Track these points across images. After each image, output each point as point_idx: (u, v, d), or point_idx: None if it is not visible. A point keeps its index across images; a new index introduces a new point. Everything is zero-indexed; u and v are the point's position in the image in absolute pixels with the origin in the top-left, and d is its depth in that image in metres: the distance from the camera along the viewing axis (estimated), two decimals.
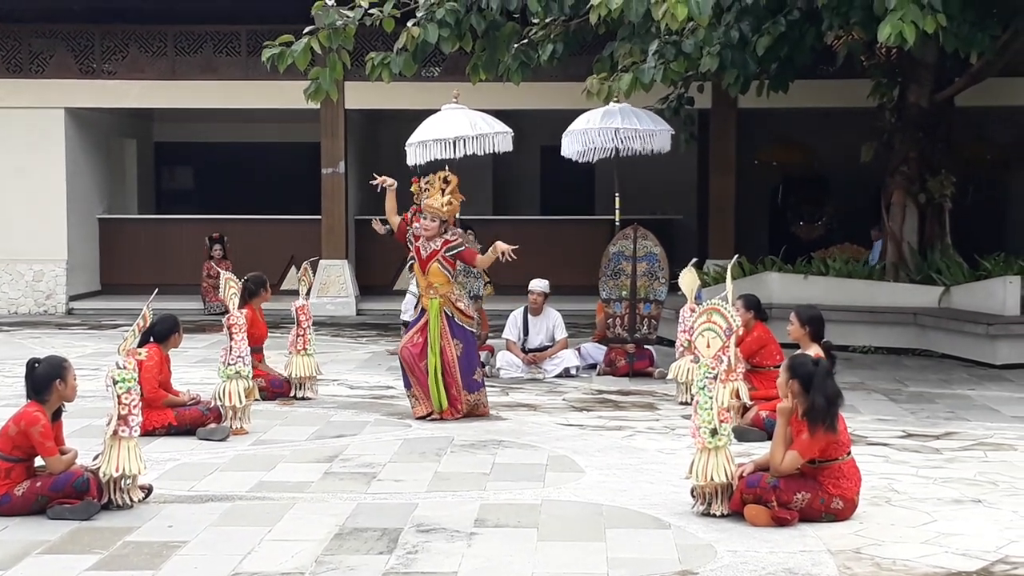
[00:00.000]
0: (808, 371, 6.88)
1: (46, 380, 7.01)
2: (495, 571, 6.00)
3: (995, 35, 12.32)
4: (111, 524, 6.80)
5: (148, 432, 8.53)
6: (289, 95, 16.47)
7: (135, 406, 7.08)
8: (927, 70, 14.91)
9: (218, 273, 15.97)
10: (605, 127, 12.96)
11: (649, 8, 11.03)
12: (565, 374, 12.41)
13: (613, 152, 13.12)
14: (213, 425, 9.25)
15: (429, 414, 9.95)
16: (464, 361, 10.01)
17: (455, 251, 10.09)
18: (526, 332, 12.65)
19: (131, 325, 7.60)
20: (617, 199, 13.63)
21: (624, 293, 12.69)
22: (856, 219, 19.91)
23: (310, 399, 10.89)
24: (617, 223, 13.60)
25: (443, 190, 10.08)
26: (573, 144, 13.21)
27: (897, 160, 15.23)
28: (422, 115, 12.69)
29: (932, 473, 8.12)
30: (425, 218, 10.03)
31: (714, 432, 6.90)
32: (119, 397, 7.04)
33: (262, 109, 19.48)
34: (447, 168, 10.37)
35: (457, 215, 10.42)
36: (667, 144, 13.19)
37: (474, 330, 10.39)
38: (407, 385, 10.11)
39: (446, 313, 10.02)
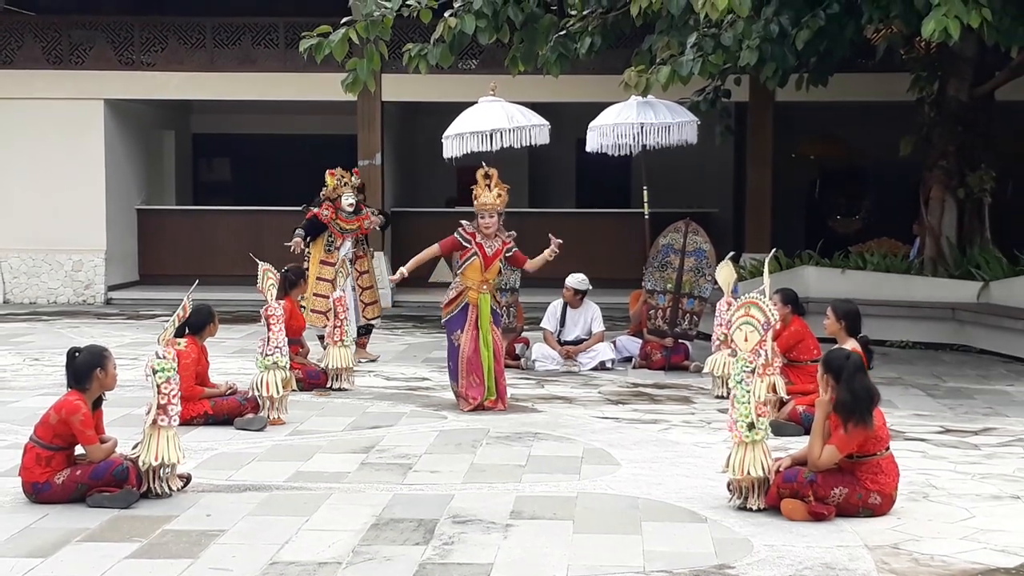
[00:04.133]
0: (840, 365, 6.87)
1: (87, 369, 7.07)
2: (531, 563, 6.01)
3: None
4: (150, 512, 6.85)
5: (186, 422, 8.54)
6: (326, 87, 16.52)
7: (174, 396, 7.13)
8: (967, 64, 14.80)
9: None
10: (625, 122, 12.92)
11: (690, 0, 10.99)
12: (600, 367, 12.40)
13: (639, 146, 13.07)
14: (250, 415, 9.30)
15: (479, 404, 10.01)
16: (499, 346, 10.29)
17: (513, 252, 10.29)
18: (562, 324, 12.63)
19: (169, 315, 7.66)
20: (645, 192, 13.59)
21: (669, 286, 12.67)
22: (894, 213, 19.78)
23: (346, 390, 10.93)
24: (646, 216, 13.56)
25: (488, 185, 10.15)
26: (596, 139, 13.19)
27: (936, 154, 15.12)
28: (459, 107, 12.70)
29: (970, 469, 8.07)
30: (483, 217, 10.10)
31: (751, 426, 6.89)
32: (158, 387, 7.09)
33: (299, 101, 19.55)
34: (483, 164, 10.39)
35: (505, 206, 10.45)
36: (692, 136, 13.12)
37: (503, 315, 10.57)
38: (455, 380, 10.17)
39: (491, 306, 10.22)
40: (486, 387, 10.05)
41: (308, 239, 12.73)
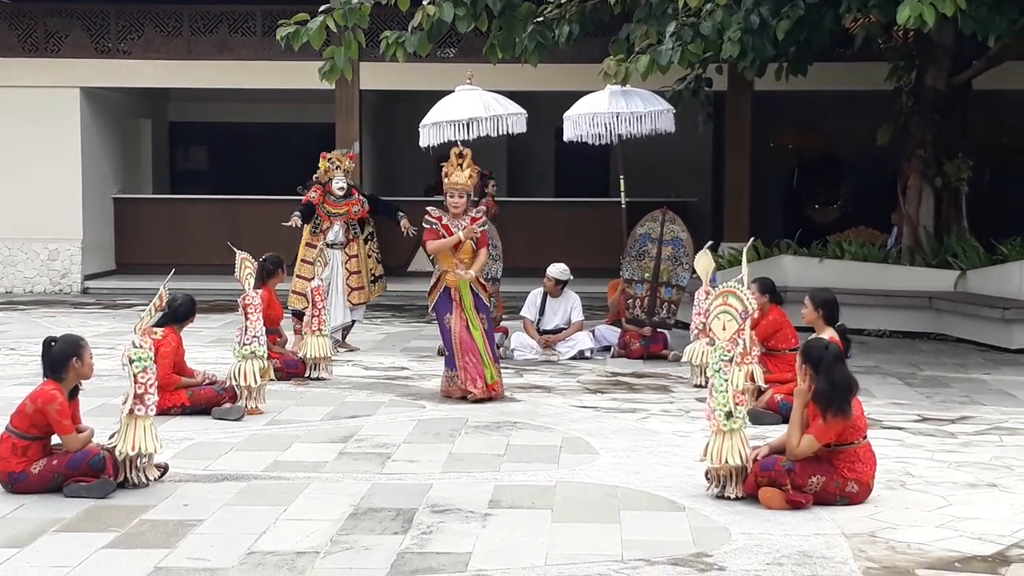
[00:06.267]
0: (819, 355, 6.88)
1: (63, 358, 7.03)
2: (509, 552, 6.01)
3: (1013, 19, 12.24)
4: (127, 502, 6.83)
5: (163, 411, 8.56)
6: (304, 75, 16.46)
7: (151, 385, 7.10)
8: (944, 53, 14.82)
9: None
10: (599, 111, 12.88)
11: None
12: (579, 356, 12.40)
13: (614, 135, 13.03)
14: (228, 405, 9.27)
15: (483, 390, 9.93)
16: (490, 335, 10.18)
17: (483, 228, 10.21)
18: (542, 312, 12.62)
19: (146, 305, 7.62)
20: (622, 181, 13.57)
21: (647, 275, 12.67)
22: (872, 202, 19.82)
23: (325, 379, 10.91)
24: (623, 205, 13.55)
25: (460, 165, 10.11)
26: (571, 128, 13.14)
27: (914, 143, 15.16)
28: (437, 96, 12.67)
29: (947, 457, 8.11)
30: (452, 196, 10.07)
31: (729, 415, 6.90)
32: (135, 376, 7.06)
33: (277, 89, 19.47)
34: (458, 144, 10.35)
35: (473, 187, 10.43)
36: (669, 125, 13.07)
37: (490, 306, 10.48)
38: (453, 367, 10.09)
39: (472, 289, 10.10)
40: (487, 370, 9.94)
41: (304, 220, 12.64)
